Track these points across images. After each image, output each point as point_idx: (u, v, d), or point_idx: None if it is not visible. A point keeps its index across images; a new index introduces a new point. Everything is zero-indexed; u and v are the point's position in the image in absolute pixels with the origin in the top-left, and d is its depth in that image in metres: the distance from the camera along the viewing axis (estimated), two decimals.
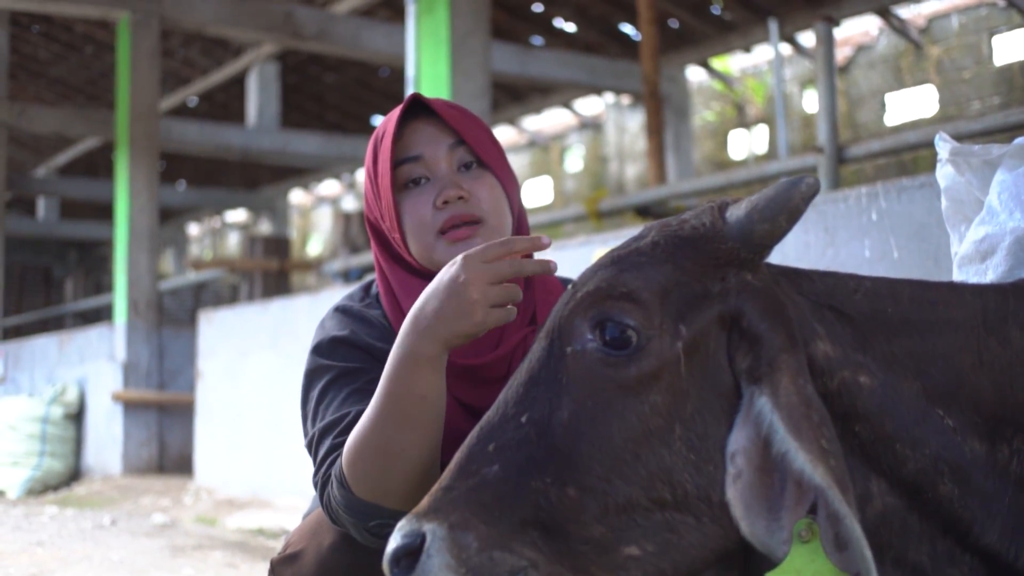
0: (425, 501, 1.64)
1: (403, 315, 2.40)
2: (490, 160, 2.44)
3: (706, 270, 1.73)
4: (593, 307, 1.70)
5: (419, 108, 2.45)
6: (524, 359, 1.78)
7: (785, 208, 1.71)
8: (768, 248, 1.75)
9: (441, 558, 1.57)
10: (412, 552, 1.60)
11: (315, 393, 2.34)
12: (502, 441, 1.66)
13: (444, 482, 1.66)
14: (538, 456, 1.64)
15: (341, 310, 2.48)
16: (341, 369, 2.34)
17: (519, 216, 2.51)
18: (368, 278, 2.65)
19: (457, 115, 2.45)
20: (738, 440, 1.65)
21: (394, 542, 1.62)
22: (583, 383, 1.68)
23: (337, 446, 2.22)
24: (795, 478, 1.60)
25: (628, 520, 1.62)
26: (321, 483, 2.23)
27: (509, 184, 2.47)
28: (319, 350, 2.39)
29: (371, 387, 2.26)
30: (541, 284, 2.52)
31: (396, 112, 2.43)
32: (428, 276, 2.41)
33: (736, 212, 1.76)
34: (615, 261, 1.74)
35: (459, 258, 2.04)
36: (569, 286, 1.78)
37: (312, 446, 2.30)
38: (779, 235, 1.73)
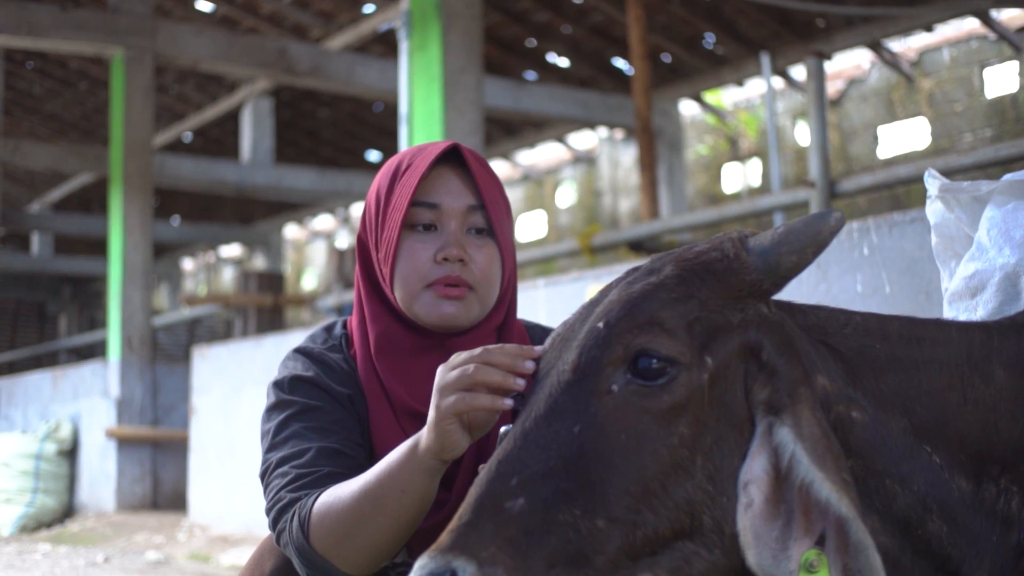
0: (447, 537, 1.61)
1: (367, 344, 2.44)
2: (500, 231, 2.44)
3: (727, 301, 1.74)
4: (626, 339, 1.70)
5: (451, 155, 2.44)
6: (536, 392, 1.77)
7: (814, 240, 1.74)
8: (789, 280, 1.77)
9: None
10: None
11: (274, 425, 2.36)
12: (526, 474, 1.65)
13: (465, 517, 1.63)
14: (566, 489, 1.63)
15: (302, 352, 2.50)
16: (303, 405, 2.36)
17: (508, 285, 2.51)
18: (331, 319, 2.65)
19: (486, 177, 2.45)
20: (752, 470, 1.66)
21: None
22: (616, 414, 1.68)
23: (297, 478, 2.25)
24: (813, 508, 1.62)
25: (651, 551, 1.63)
26: (277, 511, 2.25)
27: (508, 257, 2.48)
28: (281, 386, 2.41)
29: (333, 427, 2.32)
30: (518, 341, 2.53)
31: (430, 151, 2.43)
32: (400, 318, 2.44)
33: (760, 243, 1.77)
34: (642, 294, 1.75)
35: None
36: (598, 322, 1.76)
37: (267, 474, 2.32)
38: (803, 267, 1.76)
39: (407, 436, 2.31)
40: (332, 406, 2.37)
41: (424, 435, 2.04)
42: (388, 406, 2.41)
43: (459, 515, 1.64)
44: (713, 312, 1.72)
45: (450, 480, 2.37)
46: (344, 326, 2.58)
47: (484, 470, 1.70)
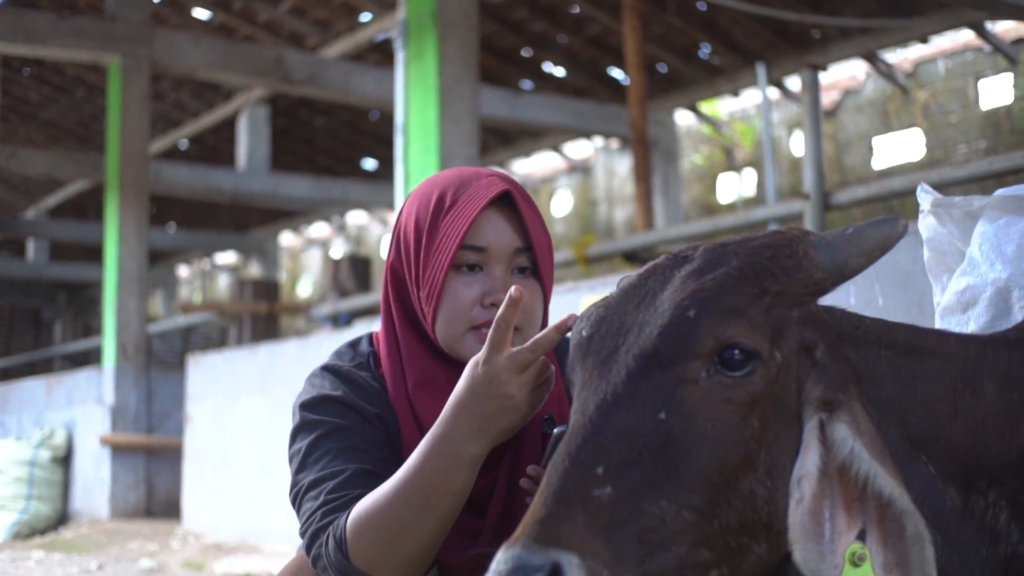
0: (536, 528, 1.56)
1: (404, 379, 2.41)
2: (545, 271, 2.42)
3: (792, 298, 1.75)
4: (716, 330, 1.69)
5: (502, 197, 2.39)
6: (602, 377, 1.74)
7: (882, 244, 1.77)
8: (847, 280, 1.80)
9: None
10: None
11: (304, 446, 2.32)
12: (612, 462, 1.62)
13: (551, 507, 1.58)
14: (653, 477, 1.62)
15: (330, 370, 2.46)
16: (333, 425, 2.33)
17: (544, 320, 2.49)
18: (357, 335, 2.61)
19: (533, 217, 2.41)
20: (805, 465, 1.67)
21: (517, 574, 1.52)
22: (702, 404, 1.67)
23: (330, 501, 2.22)
24: (854, 503, 1.66)
25: (724, 544, 1.63)
26: (311, 535, 2.22)
27: (548, 294, 2.46)
28: (309, 406, 2.37)
29: (363, 446, 2.28)
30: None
31: (481, 193, 2.36)
32: (439, 352, 2.40)
33: (827, 241, 1.80)
34: (725, 285, 1.74)
35: (481, 358, 2.08)
36: (686, 311, 1.73)
37: (299, 498, 2.29)
38: (864, 270, 1.79)
39: None
40: (362, 425, 2.34)
41: (475, 428, 2.08)
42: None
43: (542, 504, 1.60)
44: (780, 308, 1.74)
45: (483, 509, 2.36)
46: (371, 342, 2.55)
47: (558, 457, 1.66)
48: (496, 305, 2.30)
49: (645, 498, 1.60)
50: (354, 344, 2.57)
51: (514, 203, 2.40)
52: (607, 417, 1.67)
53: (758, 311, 1.71)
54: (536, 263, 2.41)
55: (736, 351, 1.68)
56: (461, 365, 2.34)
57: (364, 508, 2.15)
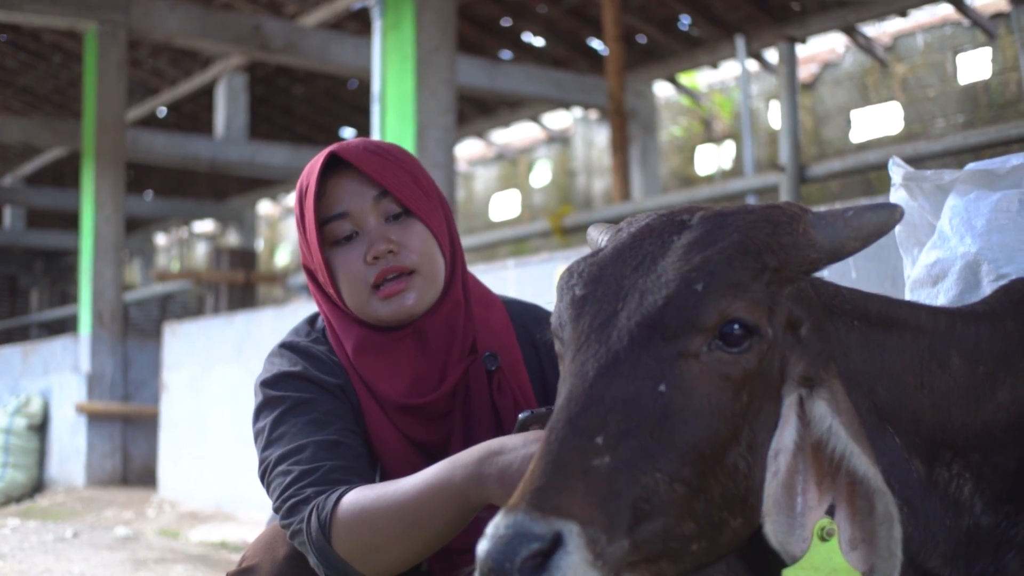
0: (535, 497, 1.56)
1: (344, 352, 2.45)
2: (416, 207, 2.44)
3: (786, 275, 1.75)
4: (721, 305, 1.69)
5: (339, 160, 2.44)
6: (600, 341, 1.73)
7: (878, 230, 1.78)
8: (839, 261, 1.81)
9: (582, 554, 1.51)
10: (544, 553, 1.52)
11: (268, 423, 2.35)
12: (610, 432, 1.62)
13: (550, 475, 1.59)
14: (650, 449, 1.62)
15: (288, 347, 2.50)
16: (295, 400, 2.35)
17: (454, 252, 2.51)
18: (316, 310, 2.65)
19: (378, 163, 2.43)
20: (782, 440, 1.68)
21: (517, 542, 1.52)
22: (700, 379, 1.67)
23: (302, 475, 2.24)
24: (825, 479, 1.68)
25: (707, 518, 1.64)
26: (289, 508, 2.24)
27: (437, 226, 2.47)
28: (269, 383, 2.41)
29: (327, 417, 2.31)
30: (480, 311, 2.55)
31: (316, 168, 2.41)
32: (365, 323, 2.45)
33: (826, 222, 1.79)
34: (730, 260, 1.73)
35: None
36: (694, 284, 1.71)
37: (268, 473, 2.31)
38: (857, 252, 1.80)
39: (399, 430, 2.35)
40: (323, 397, 2.37)
41: (482, 482, 2.03)
42: (375, 403, 2.42)
43: (541, 471, 1.60)
44: (775, 284, 1.74)
45: (439, 457, 2.36)
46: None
47: (557, 423, 1.65)
48: (379, 257, 2.37)
49: (641, 469, 1.60)
50: (311, 320, 2.61)
51: (349, 161, 2.43)
52: (607, 385, 1.67)
53: (760, 287, 1.71)
54: (405, 204, 2.43)
55: (736, 326, 1.68)
56: (385, 326, 2.42)
57: (358, 504, 2.15)
